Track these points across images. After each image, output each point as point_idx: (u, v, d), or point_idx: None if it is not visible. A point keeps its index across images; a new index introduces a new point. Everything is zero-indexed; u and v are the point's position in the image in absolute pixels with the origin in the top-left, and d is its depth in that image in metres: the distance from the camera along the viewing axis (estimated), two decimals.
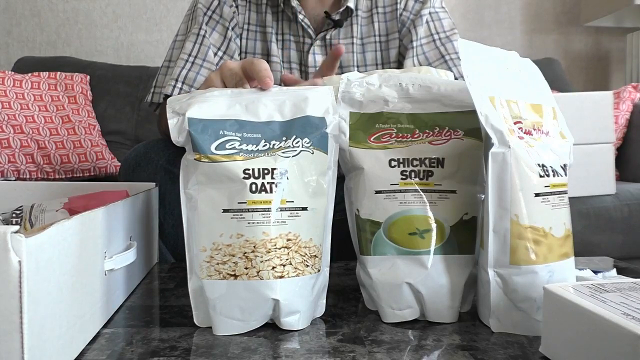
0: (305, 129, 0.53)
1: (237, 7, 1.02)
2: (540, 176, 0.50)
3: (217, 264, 0.50)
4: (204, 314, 0.52)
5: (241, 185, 0.50)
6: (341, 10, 1.00)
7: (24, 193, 0.83)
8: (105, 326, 0.53)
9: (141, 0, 2.36)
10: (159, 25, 2.37)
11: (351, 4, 1.00)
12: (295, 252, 0.51)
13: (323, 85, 0.68)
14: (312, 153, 0.52)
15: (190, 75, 0.96)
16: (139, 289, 0.66)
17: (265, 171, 0.50)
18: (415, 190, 0.54)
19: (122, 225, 0.60)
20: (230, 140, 0.51)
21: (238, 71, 0.63)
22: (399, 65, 1.03)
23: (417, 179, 0.55)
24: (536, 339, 0.49)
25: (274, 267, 0.50)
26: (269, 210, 0.50)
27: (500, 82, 0.53)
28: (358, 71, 0.72)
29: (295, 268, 0.51)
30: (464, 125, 0.55)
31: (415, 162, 0.55)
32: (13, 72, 1.85)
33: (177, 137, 0.51)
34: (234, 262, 0.50)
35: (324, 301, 0.56)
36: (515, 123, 0.51)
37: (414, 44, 1.01)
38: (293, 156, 0.52)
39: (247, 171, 0.50)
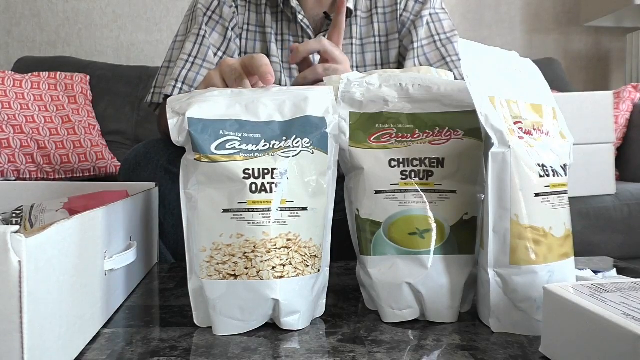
0: (305, 129, 0.53)
1: (236, 7, 1.02)
2: (540, 176, 0.50)
3: (217, 264, 0.50)
4: (204, 314, 0.52)
5: (241, 185, 0.50)
6: None
7: (24, 193, 0.83)
8: (105, 326, 0.53)
9: (141, 0, 2.36)
10: (159, 25, 2.37)
11: (350, 5, 1.00)
12: (295, 252, 0.51)
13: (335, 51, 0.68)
14: (312, 153, 0.52)
15: (190, 75, 0.96)
16: (139, 289, 0.66)
17: (265, 171, 0.50)
18: (415, 190, 0.54)
19: (122, 225, 0.60)
20: (230, 140, 0.51)
21: (238, 67, 0.62)
22: (399, 65, 1.03)
23: (417, 179, 0.55)
24: (536, 339, 0.49)
25: (274, 267, 0.50)
26: (269, 210, 0.50)
27: (500, 82, 0.53)
28: (357, 72, 0.72)
29: (295, 268, 0.51)
30: (464, 125, 0.55)
31: (415, 162, 0.55)
32: (13, 72, 1.85)
33: (177, 137, 0.51)
34: (234, 262, 0.50)
35: (324, 301, 0.56)
36: (515, 123, 0.51)
37: (415, 45, 1.01)
38: (293, 156, 0.52)
39: (247, 171, 0.50)
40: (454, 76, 0.67)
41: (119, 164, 1.58)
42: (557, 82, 2.13)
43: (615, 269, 0.69)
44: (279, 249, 0.50)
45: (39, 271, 0.37)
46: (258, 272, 0.49)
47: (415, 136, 0.56)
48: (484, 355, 0.46)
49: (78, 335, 0.45)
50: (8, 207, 0.75)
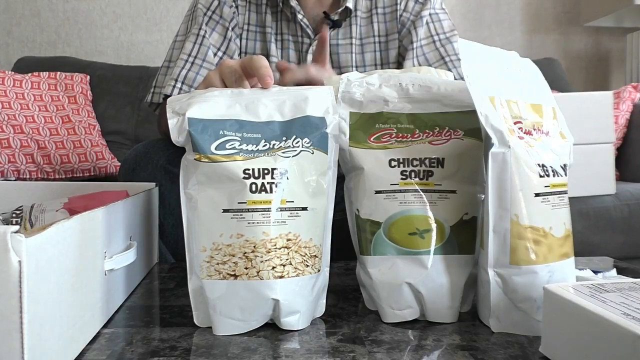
0: (305, 129, 0.53)
1: (237, 7, 1.02)
2: (540, 176, 0.50)
3: (217, 264, 0.50)
4: (204, 314, 0.52)
5: (241, 185, 0.50)
6: (340, 10, 1.00)
7: (24, 193, 0.83)
8: (105, 326, 0.53)
9: (141, 0, 2.36)
10: (159, 25, 2.37)
11: (350, 4, 1.00)
12: (295, 252, 0.51)
13: (315, 74, 0.69)
14: (312, 153, 0.52)
15: (190, 75, 0.96)
16: (139, 289, 0.66)
17: (265, 171, 0.50)
18: (415, 190, 0.54)
19: (122, 225, 0.60)
20: (230, 140, 0.51)
21: (237, 68, 0.62)
22: (398, 65, 1.03)
23: (417, 179, 0.55)
24: (536, 339, 0.49)
25: (274, 267, 0.50)
26: (269, 210, 0.50)
27: (500, 82, 0.53)
28: (357, 71, 0.72)
29: (295, 268, 0.51)
30: (464, 125, 0.55)
31: (415, 162, 0.55)
32: (13, 72, 1.85)
33: (177, 137, 0.51)
34: (234, 262, 0.50)
35: (324, 301, 0.56)
36: (515, 123, 0.51)
37: (414, 45, 1.01)
38: (293, 156, 0.52)
39: (247, 171, 0.50)
40: (453, 76, 0.67)
41: (119, 164, 1.58)
42: (557, 82, 2.12)
43: (615, 269, 0.69)
44: (279, 249, 0.50)
45: (39, 271, 0.37)
46: (258, 272, 0.49)
47: (415, 136, 0.56)
48: (484, 355, 0.46)
49: (78, 335, 0.45)
50: (8, 207, 0.75)
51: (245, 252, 0.49)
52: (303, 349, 0.47)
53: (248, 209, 0.50)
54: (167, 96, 0.97)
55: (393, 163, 0.55)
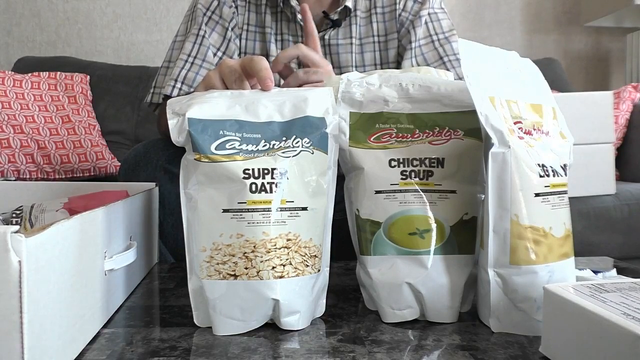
0: (305, 129, 0.53)
1: (236, 7, 1.02)
2: (540, 176, 0.50)
3: (217, 264, 0.50)
4: (204, 314, 0.52)
5: (241, 185, 0.50)
6: (339, 9, 1.00)
7: (24, 193, 0.83)
8: (105, 326, 0.53)
9: (141, 0, 2.36)
10: (159, 25, 2.37)
11: (349, 4, 1.00)
12: (295, 252, 0.51)
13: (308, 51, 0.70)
14: (312, 153, 0.52)
15: (190, 75, 0.96)
16: (139, 289, 0.66)
17: (265, 171, 0.50)
18: (415, 190, 0.54)
19: (122, 225, 0.60)
20: (230, 141, 0.51)
21: (237, 68, 0.62)
22: (398, 65, 1.03)
23: (417, 179, 0.55)
24: (536, 339, 0.49)
25: (274, 267, 0.50)
26: (269, 210, 0.50)
27: (500, 82, 0.53)
28: (357, 71, 0.72)
29: (295, 268, 0.51)
30: (464, 125, 0.55)
31: (415, 162, 0.55)
32: (13, 72, 1.85)
33: (177, 137, 0.51)
34: (234, 262, 0.50)
35: (324, 301, 0.56)
36: (515, 123, 0.51)
37: (413, 44, 1.01)
38: (293, 156, 0.52)
39: (247, 171, 0.50)
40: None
41: (119, 164, 1.58)
42: (557, 82, 2.12)
43: (615, 269, 0.69)
44: (279, 249, 0.50)
45: (39, 271, 0.37)
46: (258, 272, 0.49)
47: (415, 136, 0.56)
48: (484, 355, 0.46)
49: (78, 335, 0.45)
50: (8, 207, 0.75)
51: (245, 252, 0.49)
52: (303, 349, 0.47)
53: (248, 209, 0.50)
54: (166, 96, 0.97)
55: (393, 163, 0.55)
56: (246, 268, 0.49)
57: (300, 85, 0.73)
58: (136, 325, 0.53)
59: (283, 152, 0.51)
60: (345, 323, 0.54)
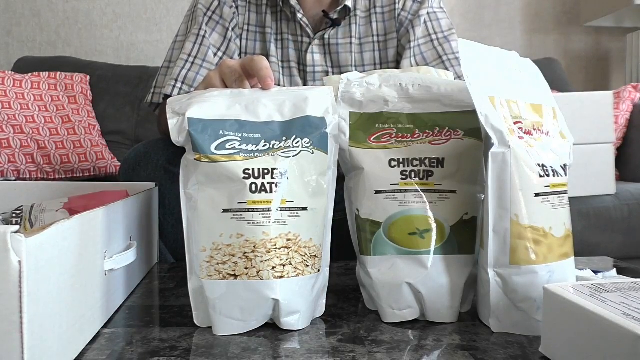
0: (305, 129, 0.53)
1: (237, 7, 1.02)
2: (540, 176, 0.50)
3: (217, 264, 0.50)
4: (204, 314, 0.52)
5: (241, 185, 0.50)
6: (339, 9, 1.00)
7: (24, 193, 0.83)
8: (105, 326, 0.53)
9: (141, 0, 2.36)
10: (159, 25, 2.37)
11: (349, 3, 1.00)
12: (295, 252, 0.51)
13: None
14: (312, 153, 0.52)
15: (190, 75, 0.96)
16: (139, 289, 0.66)
17: (265, 171, 0.50)
18: (415, 190, 0.54)
19: (122, 225, 0.60)
20: (230, 140, 0.51)
21: (237, 68, 0.62)
22: (397, 65, 1.03)
23: (417, 179, 0.55)
24: (536, 339, 0.49)
25: (274, 267, 0.50)
26: (269, 210, 0.50)
27: (500, 82, 0.53)
28: (356, 71, 0.72)
29: (295, 268, 0.51)
30: (464, 125, 0.55)
31: (415, 162, 0.55)
32: (13, 72, 1.85)
33: (177, 137, 0.51)
34: (234, 262, 0.50)
35: (324, 301, 0.56)
36: (515, 123, 0.51)
37: (412, 44, 1.01)
38: (293, 156, 0.52)
39: (247, 171, 0.50)
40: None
41: (119, 164, 1.58)
42: (557, 82, 2.12)
43: (615, 269, 0.69)
44: (279, 249, 0.50)
45: (39, 271, 0.37)
46: (258, 272, 0.49)
47: (415, 136, 0.56)
48: (484, 355, 0.46)
49: (78, 335, 0.45)
50: (8, 207, 0.75)
51: (245, 252, 0.49)
52: (303, 349, 0.47)
53: (248, 209, 0.50)
54: (167, 96, 0.97)
55: (393, 163, 0.55)
56: (246, 268, 0.49)
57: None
58: (136, 325, 0.53)
59: (283, 152, 0.51)
60: (345, 323, 0.54)
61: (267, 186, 0.50)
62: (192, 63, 0.97)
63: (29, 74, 1.86)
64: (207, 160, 0.50)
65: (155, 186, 0.82)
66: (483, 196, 0.54)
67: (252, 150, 0.51)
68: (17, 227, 0.35)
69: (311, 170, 0.53)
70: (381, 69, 1.01)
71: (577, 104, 1.58)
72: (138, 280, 0.68)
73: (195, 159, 0.51)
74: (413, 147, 0.55)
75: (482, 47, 0.55)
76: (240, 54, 1.03)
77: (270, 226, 0.50)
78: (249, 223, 0.49)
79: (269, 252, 0.50)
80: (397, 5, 1.03)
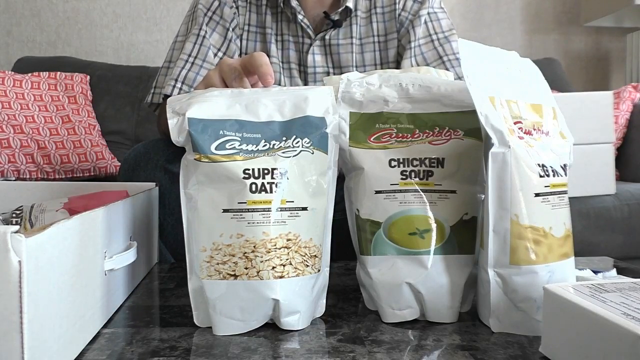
0: (305, 129, 0.53)
1: (237, 8, 1.02)
2: (540, 176, 0.50)
3: (217, 264, 0.50)
4: (204, 314, 0.52)
5: (241, 185, 0.50)
6: (340, 10, 1.00)
7: (24, 193, 0.83)
8: (105, 326, 0.53)
9: (141, 0, 2.36)
10: (159, 25, 2.37)
11: (350, 4, 1.00)
12: (295, 252, 0.51)
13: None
14: (312, 153, 0.52)
15: (190, 75, 0.96)
16: (139, 289, 0.66)
17: (265, 171, 0.50)
18: (415, 190, 0.54)
19: (122, 225, 0.60)
20: (230, 140, 0.51)
21: (237, 66, 0.62)
22: (398, 65, 1.03)
23: (417, 179, 0.55)
24: (536, 339, 0.49)
25: (274, 267, 0.50)
26: (269, 210, 0.50)
27: (500, 82, 0.53)
28: (357, 71, 0.72)
29: (295, 268, 0.51)
30: (464, 125, 0.55)
31: (415, 162, 0.55)
32: (13, 72, 1.85)
33: (177, 137, 0.51)
34: (234, 262, 0.50)
35: (324, 301, 0.56)
36: (515, 123, 0.51)
37: (412, 44, 1.01)
38: (293, 156, 0.52)
39: (247, 171, 0.50)
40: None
41: (119, 164, 1.58)
42: (557, 82, 2.12)
43: (615, 269, 0.69)
44: (279, 249, 0.50)
45: (39, 271, 0.37)
46: (258, 272, 0.49)
47: (415, 136, 0.56)
48: (484, 355, 0.46)
49: (78, 335, 0.45)
50: (8, 207, 0.75)
51: (245, 252, 0.49)
52: (303, 349, 0.47)
53: (248, 209, 0.50)
54: (167, 96, 0.97)
55: (393, 163, 0.55)
56: (246, 268, 0.49)
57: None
58: (136, 325, 0.53)
59: (283, 152, 0.51)
60: (345, 323, 0.54)
61: (267, 186, 0.50)
62: (192, 63, 0.97)
63: (29, 74, 1.86)
64: (207, 160, 0.50)
65: (155, 186, 0.82)
66: (483, 196, 0.54)
67: (252, 150, 0.51)
68: (17, 227, 0.35)
69: (311, 170, 0.53)
70: (382, 69, 1.01)
71: (577, 104, 1.58)
72: (138, 280, 0.68)
73: (195, 159, 0.51)
74: (413, 147, 0.55)
75: (482, 47, 0.55)
76: (240, 55, 1.03)
77: (270, 226, 0.50)
78: (249, 223, 0.49)
79: (269, 252, 0.50)
80: (397, 5, 1.03)
